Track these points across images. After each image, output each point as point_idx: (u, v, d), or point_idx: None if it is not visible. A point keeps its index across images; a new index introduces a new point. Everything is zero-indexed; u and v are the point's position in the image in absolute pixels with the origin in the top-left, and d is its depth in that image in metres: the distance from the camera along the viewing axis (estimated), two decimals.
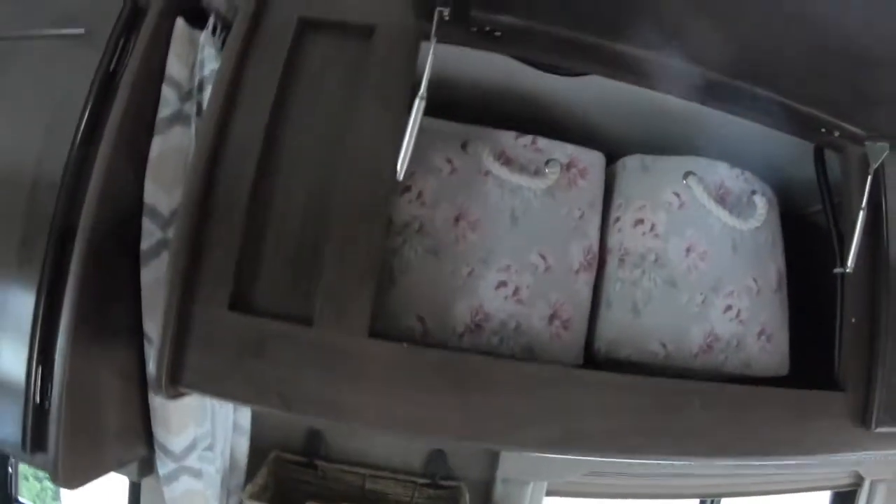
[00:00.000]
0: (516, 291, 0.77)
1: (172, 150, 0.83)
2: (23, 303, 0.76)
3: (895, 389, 0.87)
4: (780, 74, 0.77)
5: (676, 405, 0.74)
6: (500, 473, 1.27)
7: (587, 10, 0.63)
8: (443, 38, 0.66)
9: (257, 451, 1.17)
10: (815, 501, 1.82)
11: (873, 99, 0.80)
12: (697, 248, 0.83)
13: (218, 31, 0.85)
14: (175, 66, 0.83)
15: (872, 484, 1.70)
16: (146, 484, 1.17)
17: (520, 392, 0.69)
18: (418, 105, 0.64)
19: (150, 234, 0.82)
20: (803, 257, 0.95)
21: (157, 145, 0.82)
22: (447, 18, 0.64)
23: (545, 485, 1.30)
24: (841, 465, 1.63)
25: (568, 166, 0.81)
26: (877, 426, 0.85)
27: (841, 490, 1.74)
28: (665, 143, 0.92)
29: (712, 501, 1.64)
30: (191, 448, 0.95)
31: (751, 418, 0.79)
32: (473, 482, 1.26)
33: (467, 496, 1.18)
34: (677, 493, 1.51)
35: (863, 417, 0.85)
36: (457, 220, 0.77)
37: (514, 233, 0.77)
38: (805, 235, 0.98)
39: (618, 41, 0.70)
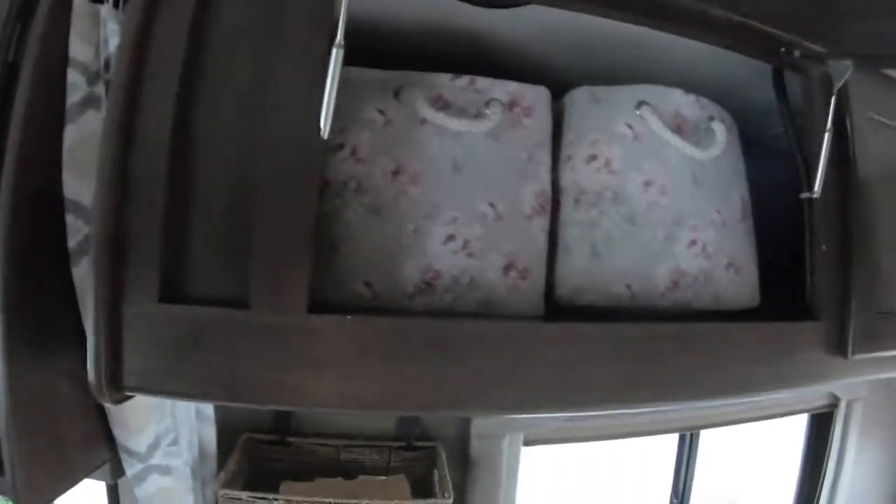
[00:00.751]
0: (466, 244, 0.73)
1: (88, 137, 0.78)
2: None
3: (871, 316, 0.87)
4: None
5: (646, 351, 0.71)
6: (475, 429, 1.28)
7: None
8: None
9: (226, 436, 1.15)
10: (794, 425, 1.90)
11: (834, 13, 0.78)
12: (656, 181, 0.79)
13: (120, 3, 0.79)
14: (78, 47, 0.77)
15: (849, 404, 1.77)
16: (123, 484, 1.16)
17: (478, 353, 0.65)
18: (336, 55, 0.59)
19: (77, 230, 0.78)
20: (767, 184, 0.93)
21: (71, 134, 0.77)
22: None
23: (521, 436, 1.31)
24: (817, 388, 1.66)
25: (510, 105, 0.77)
26: (854, 353, 0.85)
27: (818, 412, 1.80)
28: (614, 73, 0.88)
29: (692, 434, 1.69)
30: (154, 446, 0.93)
31: (725, 356, 0.78)
32: (449, 440, 1.27)
33: (444, 455, 1.20)
34: (656, 429, 1.54)
35: (839, 346, 0.85)
36: (395, 174, 0.72)
37: (458, 182, 0.73)
38: (768, 161, 0.95)
39: None
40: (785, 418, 1.77)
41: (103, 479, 1.13)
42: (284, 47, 0.64)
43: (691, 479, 1.72)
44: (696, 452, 1.72)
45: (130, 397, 0.64)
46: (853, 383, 1.72)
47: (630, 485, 1.98)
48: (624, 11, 0.74)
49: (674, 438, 1.73)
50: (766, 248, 0.92)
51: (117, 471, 1.08)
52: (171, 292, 0.61)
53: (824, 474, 1.83)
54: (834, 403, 1.76)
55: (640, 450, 1.79)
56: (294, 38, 0.64)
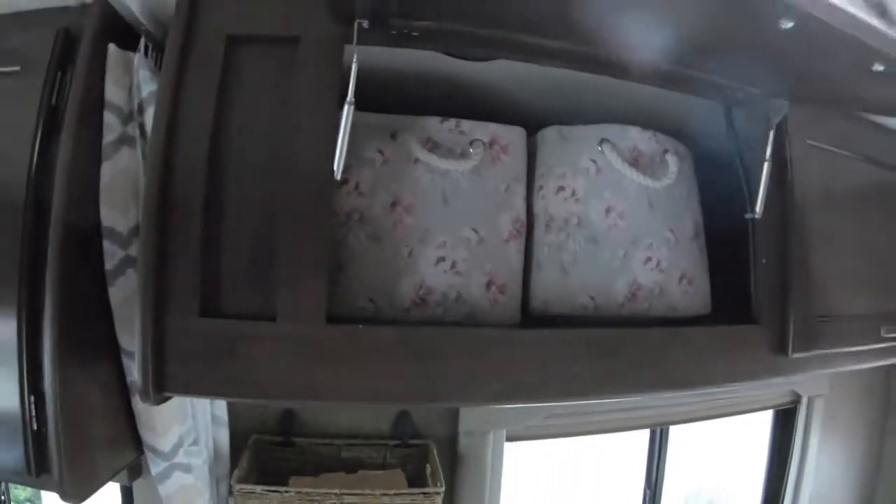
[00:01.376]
0: (454, 265, 0.84)
1: (122, 173, 0.87)
2: (2, 336, 0.81)
3: (808, 320, 0.98)
4: (686, 51, 0.83)
5: (605, 351, 0.83)
6: (462, 427, 1.38)
7: (491, 9, 0.69)
8: (364, 42, 0.72)
9: (238, 438, 1.24)
10: (759, 421, 1.96)
11: (770, 65, 0.87)
12: (616, 208, 0.91)
13: (150, 51, 0.89)
14: (114, 92, 0.86)
15: (810, 400, 1.84)
16: (137, 486, 1.24)
17: (465, 355, 0.77)
18: (347, 111, 0.70)
19: (113, 254, 0.87)
20: (725, 202, 1.02)
21: (108, 170, 0.86)
22: (366, 27, 0.70)
23: (504, 433, 1.41)
24: (776, 385, 1.76)
25: (491, 144, 0.88)
26: (794, 352, 0.96)
27: (781, 408, 1.88)
28: (583, 109, 0.99)
29: (661, 430, 1.77)
30: (178, 445, 1.01)
31: (676, 356, 0.89)
32: (439, 438, 1.36)
33: (435, 451, 1.28)
34: (629, 425, 1.64)
35: (780, 346, 0.96)
36: (393, 206, 0.83)
37: (446, 212, 0.84)
38: (726, 182, 1.05)
39: (523, 33, 0.76)
40: (751, 414, 1.84)
41: (120, 481, 1.23)
42: (299, 99, 0.76)
43: (663, 472, 1.80)
44: (666, 447, 1.80)
45: (170, 398, 0.76)
46: (813, 381, 1.82)
47: (607, 477, 2.06)
48: (583, 65, 0.85)
49: (645, 434, 1.81)
50: (724, 260, 1.03)
51: (134, 474, 1.19)
52: (208, 308, 0.73)
53: (790, 466, 1.91)
54: (796, 400, 1.84)
55: (614, 445, 1.88)
56: (307, 92, 0.76)
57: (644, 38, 0.77)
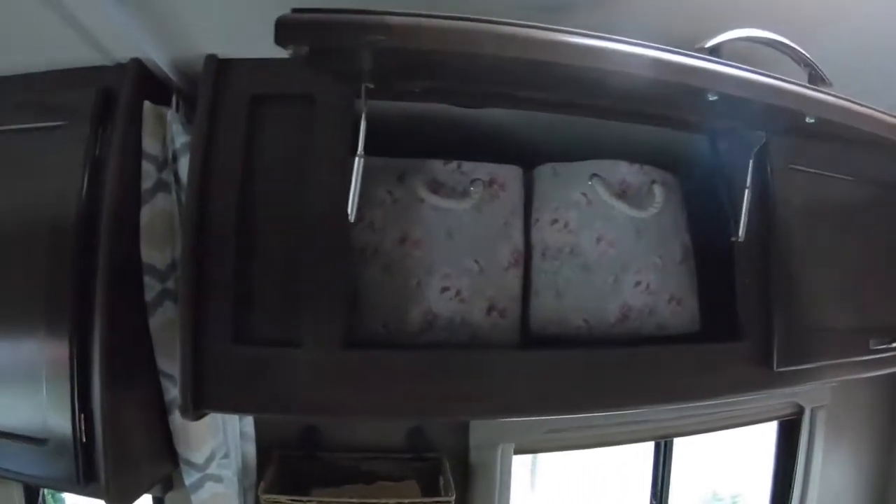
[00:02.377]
0: (458, 293, 0.92)
1: (159, 215, 0.97)
2: (57, 360, 0.90)
3: (792, 336, 1.04)
4: (659, 101, 0.90)
5: (597, 369, 0.91)
6: (472, 441, 1.45)
7: (481, 70, 0.78)
8: (371, 98, 0.80)
9: (264, 453, 1.33)
10: (763, 432, 1.98)
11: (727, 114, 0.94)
12: (606, 237, 0.98)
13: (181, 106, 0.99)
14: (150, 143, 0.96)
15: (813, 411, 1.86)
16: (169, 499, 1.33)
17: (468, 374, 0.86)
18: (358, 163, 0.79)
19: (152, 287, 0.97)
20: (715, 225, 1.08)
21: (146, 213, 0.96)
22: (372, 87, 0.79)
23: (513, 445, 1.48)
24: (777, 396, 1.79)
25: (490, 182, 0.96)
26: (778, 367, 1.02)
27: (785, 419, 1.90)
28: (576, 144, 1.06)
29: (666, 442, 1.81)
30: (211, 458, 1.10)
31: (665, 372, 0.96)
32: (451, 451, 1.43)
33: (447, 464, 1.35)
34: (633, 438, 1.68)
35: (765, 361, 1.02)
36: (402, 241, 0.92)
37: (450, 246, 0.93)
38: (715, 206, 1.10)
39: (511, 87, 0.86)
40: (754, 426, 1.87)
41: (154, 493, 1.32)
42: (316, 149, 0.86)
43: (668, 483, 1.85)
44: (671, 458, 1.84)
45: (207, 414, 0.85)
46: (814, 392, 1.84)
47: (613, 489, 2.09)
48: (571, 111, 0.94)
49: (650, 446, 1.85)
50: (715, 279, 1.09)
51: (166, 486, 1.28)
52: (241, 334, 0.83)
53: (795, 477, 1.92)
54: (799, 412, 1.86)
55: (620, 457, 1.91)
56: (322, 143, 0.86)
57: (621, 88, 0.85)
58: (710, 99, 0.76)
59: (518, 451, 1.49)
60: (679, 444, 1.84)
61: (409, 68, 0.75)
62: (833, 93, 0.83)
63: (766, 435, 2.02)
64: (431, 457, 1.40)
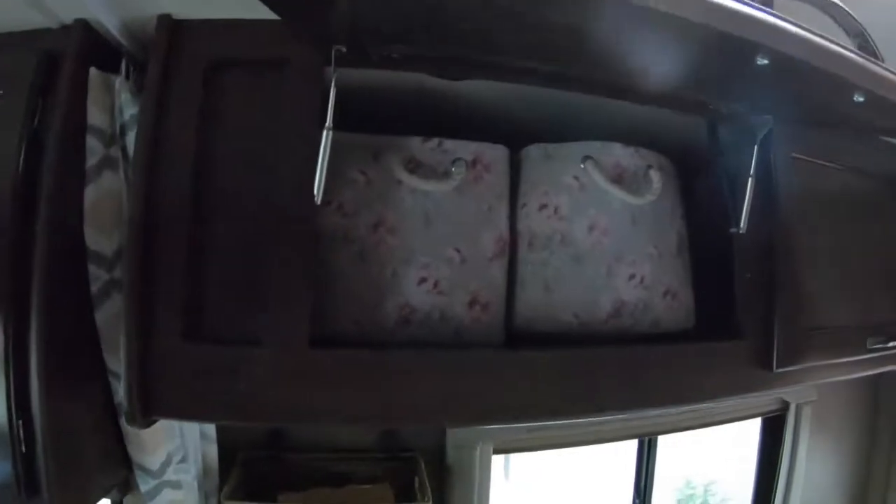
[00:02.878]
0: (436, 284, 0.84)
1: (105, 196, 0.87)
2: None
3: (793, 334, 0.98)
4: (666, 77, 0.83)
5: (588, 370, 0.84)
6: (450, 440, 1.38)
7: (468, 34, 0.70)
8: (343, 66, 0.72)
9: (227, 454, 1.24)
10: (748, 428, 1.98)
11: (751, 91, 0.88)
12: (599, 225, 0.91)
13: (132, 73, 0.89)
14: (95, 115, 0.86)
15: (798, 407, 1.85)
16: (128, 502, 1.22)
17: (445, 377, 0.78)
18: (326, 136, 0.70)
19: (98, 277, 0.87)
20: (709, 215, 1.03)
21: (91, 193, 0.86)
22: (344, 52, 0.70)
23: (491, 445, 1.41)
24: (764, 393, 1.75)
25: (473, 163, 0.88)
26: (778, 367, 0.96)
27: (770, 415, 1.88)
28: (566, 123, 0.99)
29: (650, 439, 1.78)
30: (167, 463, 1.02)
31: (661, 372, 0.90)
32: (427, 451, 1.37)
33: (423, 464, 1.29)
34: (617, 436, 1.63)
35: (765, 361, 0.97)
36: (376, 226, 0.84)
37: (428, 232, 0.85)
38: (710, 195, 1.06)
39: (501, 55, 0.77)
40: (739, 422, 1.86)
41: (111, 497, 1.23)
42: (280, 122, 0.77)
43: (652, 480, 1.82)
44: (655, 455, 1.81)
45: (156, 421, 0.76)
46: (802, 389, 1.82)
47: (596, 486, 2.08)
48: (562, 84, 0.86)
49: (634, 443, 1.83)
50: (709, 273, 1.04)
51: (125, 489, 1.19)
52: (193, 332, 0.74)
53: (779, 473, 1.91)
54: (784, 407, 1.85)
55: (603, 454, 1.89)
56: (287, 115, 0.77)
57: (625, 61, 0.77)
58: (759, 63, 0.67)
59: (497, 451, 1.44)
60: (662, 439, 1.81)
61: (385, 28, 0.67)
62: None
63: (742, 424, 2.00)
64: (406, 457, 1.34)
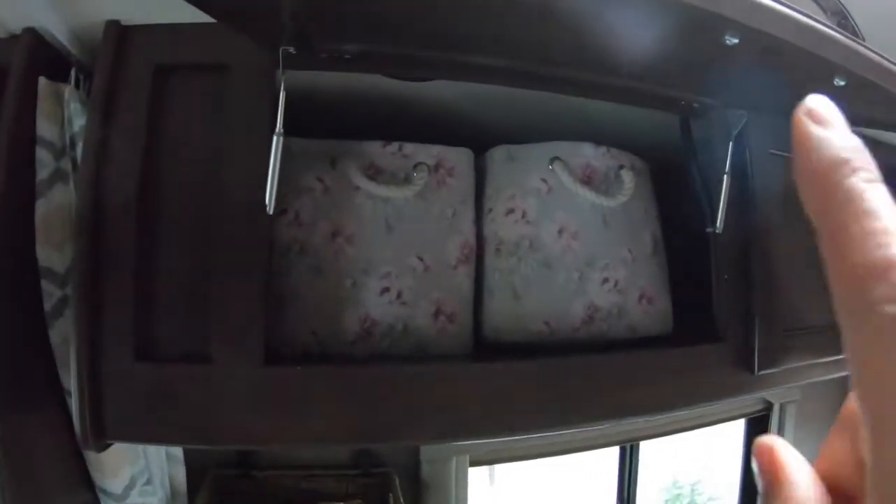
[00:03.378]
0: (399, 295, 0.80)
1: (56, 209, 0.83)
2: None
3: (774, 336, 0.95)
4: (633, 67, 0.78)
5: (560, 381, 0.79)
6: (424, 455, 1.35)
7: (424, 29, 0.66)
8: (293, 68, 0.68)
9: (195, 474, 1.20)
10: (734, 427, 1.95)
11: (724, 78, 0.84)
12: (569, 228, 0.87)
13: (81, 83, 0.86)
14: (45, 127, 0.82)
15: (782, 406, 1.83)
16: None
17: (410, 392, 0.74)
18: (276, 142, 0.66)
19: (50, 294, 0.83)
20: (682, 215, 1.00)
21: (42, 207, 0.82)
22: (293, 52, 0.67)
23: (467, 458, 1.38)
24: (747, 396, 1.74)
25: (436, 167, 0.84)
26: (760, 369, 0.93)
27: (753, 416, 1.86)
28: (532, 124, 0.96)
29: (632, 445, 1.74)
30: (130, 486, 0.97)
31: (638, 380, 0.85)
32: (401, 466, 1.34)
33: (397, 480, 1.26)
34: (598, 443, 1.60)
35: (746, 364, 0.93)
36: (334, 236, 0.79)
37: (390, 240, 0.81)
38: (682, 194, 1.02)
39: (459, 52, 0.72)
40: (723, 424, 1.84)
41: None
42: (230, 128, 0.73)
43: (635, 487, 1.78)
44: (637, 462, 1.78)
45: (111, 444, 0.72)
46: (785, 388, 1.82)
47: (584, 489, 2.04)
48: (526, 83, 0.81)
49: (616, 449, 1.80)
50: (685, 277, 1.01)
51: None
52: (144, 351, 0.69)
53: None
54: (768, 408, 1.83)
55: (586, 460, 1.86)
56: (237, 121, 0.73)
57: (589, 54, 0.74)
58: (729, 42, 0.62)
59: (474, 464, 1.40)
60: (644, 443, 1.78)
61: (336, 26, 0.63)
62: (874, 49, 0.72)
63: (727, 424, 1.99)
64: (379, 473, 1.30)
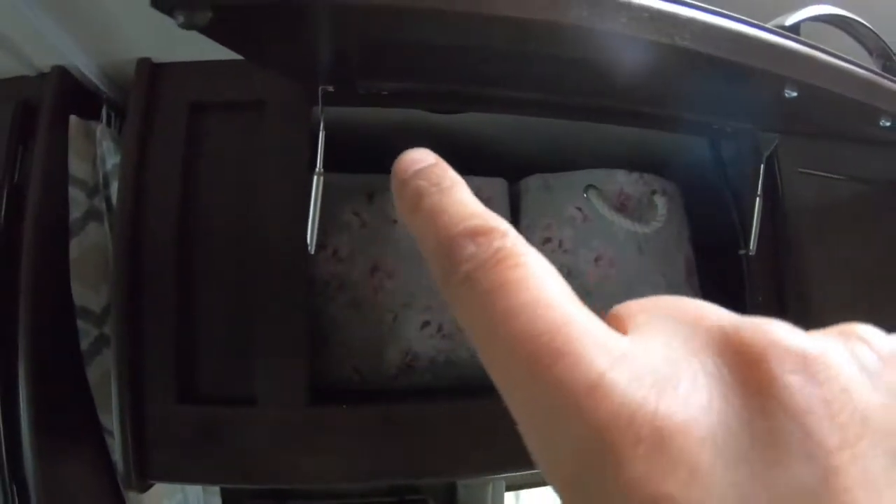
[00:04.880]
0: (440, 328, 0.80)
1: (91, 248, 0.83)
2: None
3: None
4: (672, 101, 0.79)
5: None
6: (461, 479, 1.31)
7: (459, 66, 0.66)
8: (331, 104, 0.68)
9: None
10: None
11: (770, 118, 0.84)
12: (605, 256, 0.87)
13: (112, 120, 0.86)
14: (77, 165, 0.82)
15: None
16: None
17: (455, 425, 0.73)
18: (317, 181, 0.66)
19: (87, 333, 0.83)
20: (715, 236, 0.99)
21: (76, 246, 0.82)
22: (331, 90, 0.67)
23: (504, 482, 1.36)
24: None
25: None
26: None
27: None
28: (565, 151, 0.95)
29: None
30: None
31: None
32: (438, 492, 1.32)
33: None
34: None
35: None
36: (373, 271, 0.79)
37: (428, 274, 0.80)
38: (714, 215, 1.01)
39: (493, 87, 0.72)
40: None
41: None
42: (267, 166, 0.73)
43: None
44: None
45: (153, 485, 0.72)
46: None
47: None
48: (558, 113, 0.81)
49: None
50: (719, 299, 0.99)
51: None
52: (186, 393, 0.69)
53: None
54: None
55: None
56: (275, 158, 0.73)
57: (629, 94, 0.73)
58: (788, 96, 0.61)
59: (511, 488, 1.37)
60: None
61: (373, 64, 0.63)
62: None
63: None
64: (415, 499, 1.29)
